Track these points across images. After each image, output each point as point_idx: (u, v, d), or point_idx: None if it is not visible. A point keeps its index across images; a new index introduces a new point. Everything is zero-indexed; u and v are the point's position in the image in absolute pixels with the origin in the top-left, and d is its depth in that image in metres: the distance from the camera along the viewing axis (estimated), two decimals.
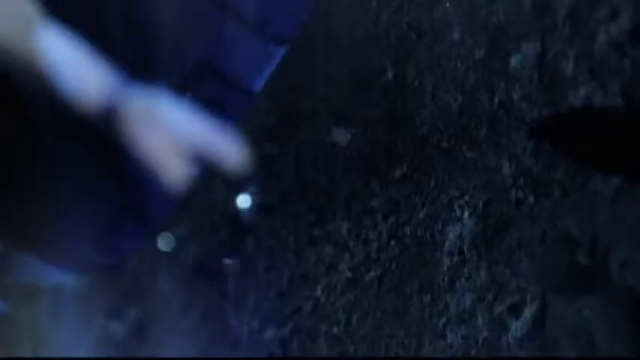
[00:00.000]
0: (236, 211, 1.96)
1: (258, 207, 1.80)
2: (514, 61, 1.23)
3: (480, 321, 1.43)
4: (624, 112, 1.36)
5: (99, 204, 1.00)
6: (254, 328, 1.45)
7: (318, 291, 1.31)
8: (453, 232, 1.50)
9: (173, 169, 0.50)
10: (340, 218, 1.21)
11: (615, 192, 1.39)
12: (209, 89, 1.26)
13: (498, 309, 1.47)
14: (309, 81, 1.42)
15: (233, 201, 1.22)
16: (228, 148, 0.47)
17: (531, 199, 1.49)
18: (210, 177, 1.37)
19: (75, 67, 0.46)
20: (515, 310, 1.46)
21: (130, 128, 0.49)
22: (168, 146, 0.50)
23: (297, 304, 1.66)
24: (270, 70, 0.82)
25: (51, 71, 0.43)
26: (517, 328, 1.38)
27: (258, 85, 0.81)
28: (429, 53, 1.10)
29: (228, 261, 1.14)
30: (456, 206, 1.45)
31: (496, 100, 1.26)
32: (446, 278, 1.55)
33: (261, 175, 1.22)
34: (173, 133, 0.50)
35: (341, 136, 1.15)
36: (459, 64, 1.15)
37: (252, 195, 1.77)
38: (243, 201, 1.02)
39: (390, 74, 1.17)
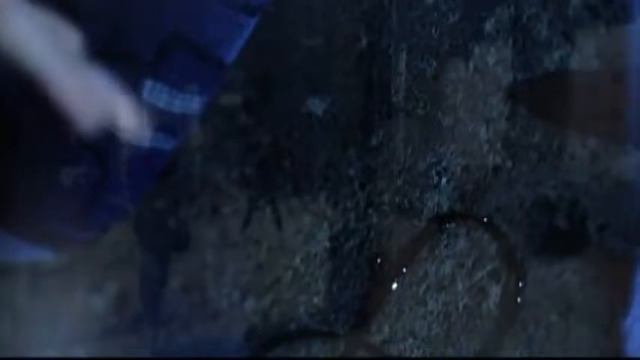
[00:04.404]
0: (214, 183, 1.95)
1: (235, 178, 1.79)
2: (488, 26, 1.22)
3: (459, 287, 1.43)
4: (599, 75, 1.37)
5: (75, 178, 1.00)
6: (234, 299, 1.44)
7: (297, 261, 1.31)
8: (430, 199, 1.50)
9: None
10: (318, 188, 1.21)
11: (592, 155, 1.39)
12: (181, 62, 1.25)
13: (478, 275, 1.47)
14: (282, 50, 1.41)
15: (210, 173, 1.18)
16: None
17: (509, 163, 1.49)
18: (187, 149, 1.35)
19: (41, 42, 0.46)
20: (495, 276, 1.46)
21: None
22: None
23: (277, 275, 1.65)
24: (243, 40, 0.82)
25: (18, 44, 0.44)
26: (497, 293, 1.39)
27: (231, 56, 0.81)
28: (403, 20, 1.10)
29: None
30: (433, 173, 1.45)
31: (471, 65, 1.26)
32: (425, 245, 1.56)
33: (238, 146, 1.20)
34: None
35: (316, 106, 1.14)
36: (434, 30, 1.16)
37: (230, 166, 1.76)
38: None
39: (364, 42, 1.16)
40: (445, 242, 1.34)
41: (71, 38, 0.52)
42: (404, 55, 1.09)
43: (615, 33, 1.12)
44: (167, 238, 1.06)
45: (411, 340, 1.05)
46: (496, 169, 1.28)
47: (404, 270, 1.22)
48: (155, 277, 1.07)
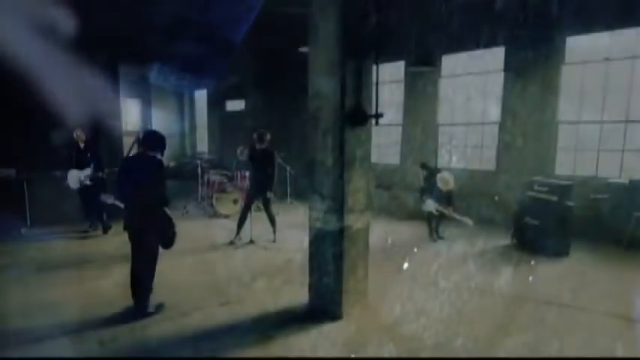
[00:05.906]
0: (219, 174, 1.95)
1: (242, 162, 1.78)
2: (499, 3, 1.22)
3: (471, 267, 1.43)
4: (610, 53, 1.36)
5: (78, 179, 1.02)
6: (245, 280, 1.44)
7: (307, 242, 1.30)
8: (441, 178, 1.51)
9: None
10: (327, 170, 1.19)
11: (602, 131, 1.39)
12: (190, 43, 1.22)
13: (489, 255, 1.47)
14: (290, 31, 1.37)
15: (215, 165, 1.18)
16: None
17: (519, 142, 1.49)
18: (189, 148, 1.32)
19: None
20: (506, 256, 1.46)
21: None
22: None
23: (288, 256, 1.65)
24: (250, 22, 0.81)
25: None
26: (508, 272, 1.39)
27: (239, 36, 0.80)
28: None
29: None
30: (444, 151, 1.45)
31: (482, 42, 1.25)
32: (436, 225, 1.55)
33: (246, 127, 1.19)
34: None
35: (325, 85, 1.13)
36: (443, 8, 1.13)
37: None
38: None
39: (373, 19, 1.15)
40: (456, 221, 1.29)
41: (66, 27, 0.55)
42: (414, 33, 1.06)
43: None
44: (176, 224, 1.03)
45: (422, 320, 1.03)
46: (507, 147, 1.24)
47: (415, 250, 1.18)
48: (164, 260, 1.04)
